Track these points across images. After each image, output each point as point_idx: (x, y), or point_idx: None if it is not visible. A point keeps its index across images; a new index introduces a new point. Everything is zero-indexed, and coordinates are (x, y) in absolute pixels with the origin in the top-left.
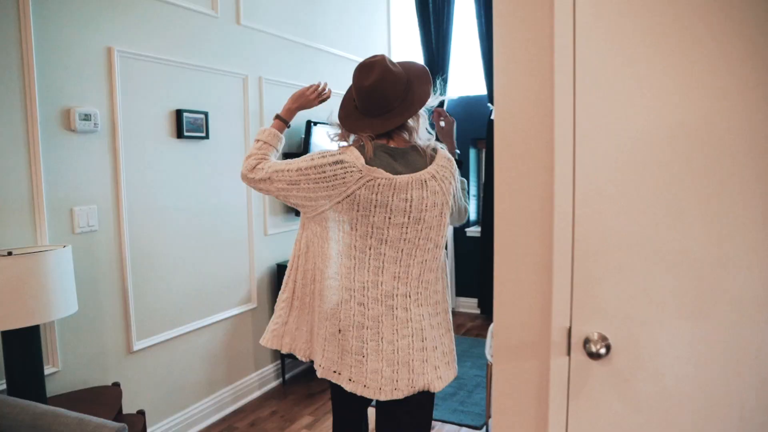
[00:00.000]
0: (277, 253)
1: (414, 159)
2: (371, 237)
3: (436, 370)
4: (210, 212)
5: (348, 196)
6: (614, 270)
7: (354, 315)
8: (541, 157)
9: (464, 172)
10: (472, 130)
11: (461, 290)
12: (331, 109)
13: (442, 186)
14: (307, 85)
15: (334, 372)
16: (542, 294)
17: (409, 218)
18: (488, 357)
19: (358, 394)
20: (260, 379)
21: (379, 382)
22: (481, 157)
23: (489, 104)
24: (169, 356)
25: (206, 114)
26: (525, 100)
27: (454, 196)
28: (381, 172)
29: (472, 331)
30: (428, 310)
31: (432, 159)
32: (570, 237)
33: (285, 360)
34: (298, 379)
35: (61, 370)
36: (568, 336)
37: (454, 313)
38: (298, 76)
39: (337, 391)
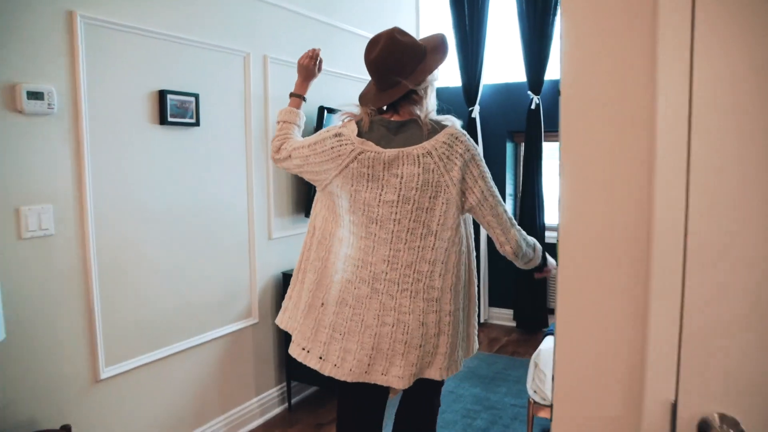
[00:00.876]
0: (283, 259)
1: (411, 133)
2: (363, 214)
3: (412, 366)
4: (202, 212)
5: (344, 168)
6: (750, 314)
7: (340, 291)
8: (633, 154)
9: (500, 171)
10: (510, 122)
11: (495, 300)
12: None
13: (440, 165)
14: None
15: (303, 349)
16: (631, 347)
17: (398, 196)
18: (530, 392)
19: (326, 374)
20: (261, 406)
21: (350, 362)
22: (519, 152)
23: (529, 92)
24: (147, 384)
25: (197, 96)
26: (608, 80)
27: (483, 192)
28: (371, 146)
29: (507, 347)
30: (420, 305)
31: (432, 134)
32: (679, 264)
33: (291, 382)
34: (306, 405)
35: (0, 408)
36: (673, 416)
37: (486, 325)
38: None
39: (346, 390)
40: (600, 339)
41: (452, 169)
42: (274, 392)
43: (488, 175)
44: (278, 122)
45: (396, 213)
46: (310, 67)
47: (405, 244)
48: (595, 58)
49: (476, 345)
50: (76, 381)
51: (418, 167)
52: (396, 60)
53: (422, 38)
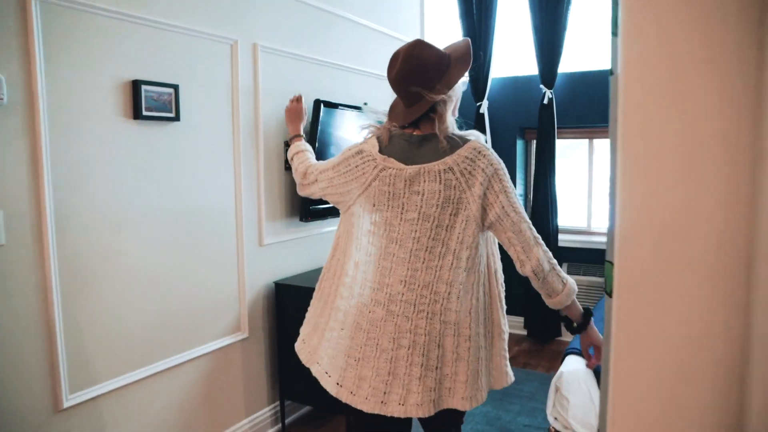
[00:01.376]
0: (276, 268)
1: (433, 147)
2: (383, 236)
3: (430, 392)
4: (182, 217)
5: (367, 188)
6: None
7: (356, 315)
8: (726, 146)
9: (509, 170)
10: (520, 118)
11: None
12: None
13: (461, 181)
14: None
15: (326, 373)
16: (720, 409)
17: (419, 214)
18: (550, 419)
19: (343, 400)
20: (253, 428)
21: (366, 390)
22: (530, 149)
23: (542, 86)
24: (119, 411)
25: (176, 88)
26: (693, 52)
27: (504, 207)
28: (393, 162)
29: (518, 358)
30: (437, 327)
31: (454, 149)
32: None
33: (285, 401)
34: (301, 425)
35: None
36: None
37: None
38: (308, 46)
39: (360, 424)
40: (674, 391)
41: (474, 185)
42: (266, 412)
43: (511, 190)
44: (291, 158)
45: (416, 231)
46: (299, 108)
47: (423, 263)
48: (673, 26)
49: (509, 377)
50: (34, 412)
51: (440, 183)
52: (416, 76)
53: (448, 45)
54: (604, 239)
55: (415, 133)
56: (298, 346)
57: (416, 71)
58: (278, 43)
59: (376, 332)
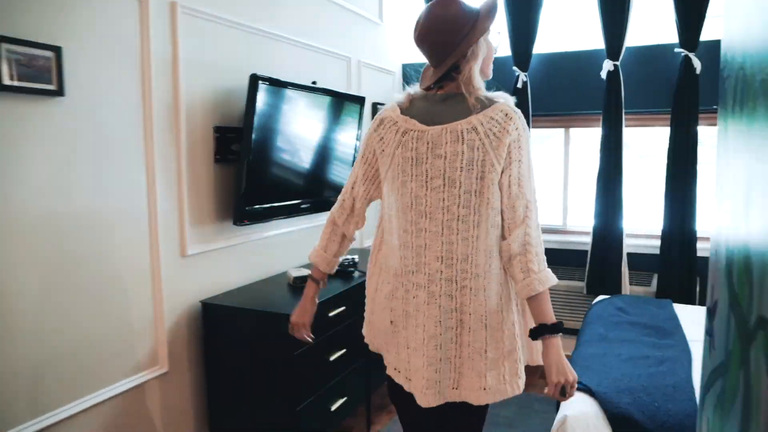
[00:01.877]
0: (203, 284)
1: (456, 105)
2: (412, 210)
3: (480, 378)
4: (74, 224)
5: (392, 159)
6: None
7: (402, 303)
8: None
9: None
10: None
11: None
12: None
13: (485, 142)
14: None
15: (395, 369)
16: None
17: (444, 180)
18: None
19: (405, 387)
20: None
21: (421, 383)
22: None
23: (515, 68)
24: None
25: (58, 51)
26: None
27: (509, 177)
28: (414, 123)
29: None
30: (483, 303)
31: (480, 109)
32: None
33: None
34: None
35: None
36: None
37: None
38: (245, 11)
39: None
40: None
41: (498, 147)
42: None
43: (525, 163)
44: (321, 255)
45: (444, 200)
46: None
47: (458, 234)
48: None
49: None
50: None
51: (462, 144)
52: (437, 37)
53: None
54: (582, 239)
55: (438, 93)
56: (370, 347)
57: (439, 31)
58: (205, 4)
59: (422, 318)
